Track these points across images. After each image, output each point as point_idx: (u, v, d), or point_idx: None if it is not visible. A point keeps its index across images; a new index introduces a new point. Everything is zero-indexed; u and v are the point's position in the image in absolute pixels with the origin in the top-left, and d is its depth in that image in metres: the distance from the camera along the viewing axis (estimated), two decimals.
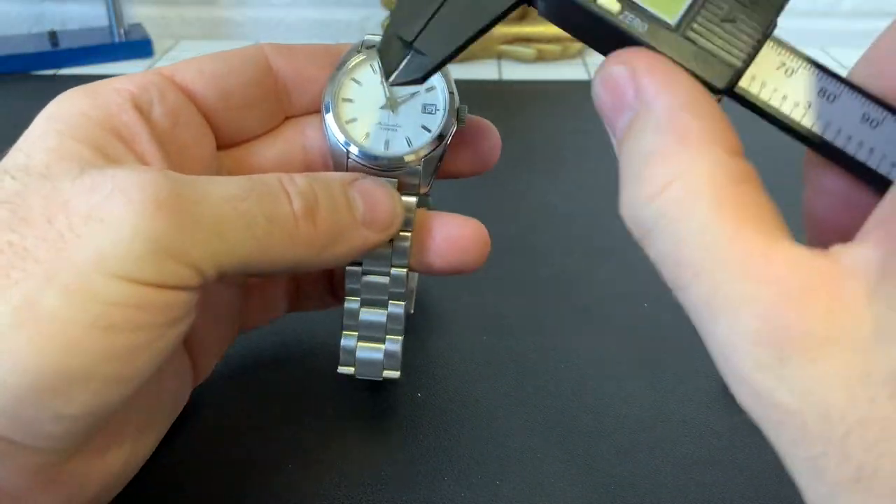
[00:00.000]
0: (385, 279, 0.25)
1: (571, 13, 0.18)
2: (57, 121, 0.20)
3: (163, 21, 0.70)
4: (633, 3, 0.18)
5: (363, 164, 0.24)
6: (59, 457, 0.18)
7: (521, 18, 0.62)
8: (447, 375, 0.30)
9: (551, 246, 0.38)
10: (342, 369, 0.26)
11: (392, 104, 0.25)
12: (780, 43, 0.18)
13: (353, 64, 0.25)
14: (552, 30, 0.61)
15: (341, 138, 0.24)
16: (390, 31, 0.19)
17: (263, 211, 0.20)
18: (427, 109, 0.25)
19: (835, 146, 0.18)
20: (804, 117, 0.18)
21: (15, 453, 0.17)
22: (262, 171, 0.23)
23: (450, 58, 0.19)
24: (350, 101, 0.25)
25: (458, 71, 0.62)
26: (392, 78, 0.19)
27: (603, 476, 0.25)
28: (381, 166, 0.24)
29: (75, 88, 0.21)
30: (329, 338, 0.32)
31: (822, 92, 0.18)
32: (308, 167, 0.26)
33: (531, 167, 0.45)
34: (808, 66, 0.18)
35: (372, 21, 0.68)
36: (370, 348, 0.26)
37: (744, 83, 0.18)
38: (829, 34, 0.69)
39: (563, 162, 0.46)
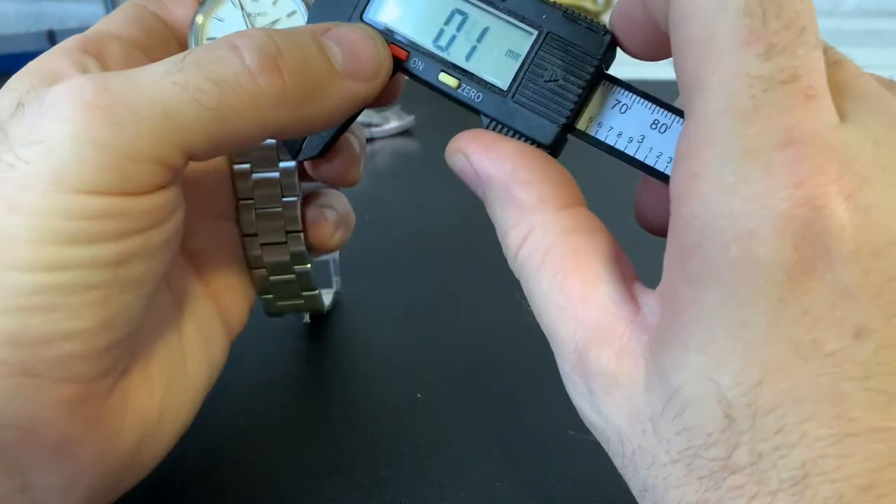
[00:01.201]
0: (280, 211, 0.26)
1: (428, 87, 0.21)
2: (11, 85, 0.20)
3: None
4: (470, 73, 0.20)
5: None
6: (90, 388, 0.18)
7: None
8: (447, 375, 0.30)
9: None
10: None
11: None
12: (618, 83, 0.20)
13: (212, 3, 0.24)
14: None
15: None
16: None
17: (207, 75, 0.18)
18: None
19: (667, 175, 0.19)
20: (637, 151, 0.20)
21: (46, 388, 0.17)
22: None
23: (338, 134, 0.23)
24: (214, 39, 0.24)
25: None
26: (298, 157, 0.23)
27: (603, 476, 0.25)
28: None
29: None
30: (328, 338, 0.32)
31: (654, 124, 0.19)
32: None
33: None
34: (642, 100, 0.20)
35: None
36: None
37: (581, 125, 0.20)
38: (829, 34, 0.68)
39: (563, 162, 0.46)
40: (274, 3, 0.24)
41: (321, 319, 0.33)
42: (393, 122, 0.58)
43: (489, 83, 0.20)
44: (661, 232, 0.18)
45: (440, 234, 0.39)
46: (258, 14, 0.24)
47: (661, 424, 0.16)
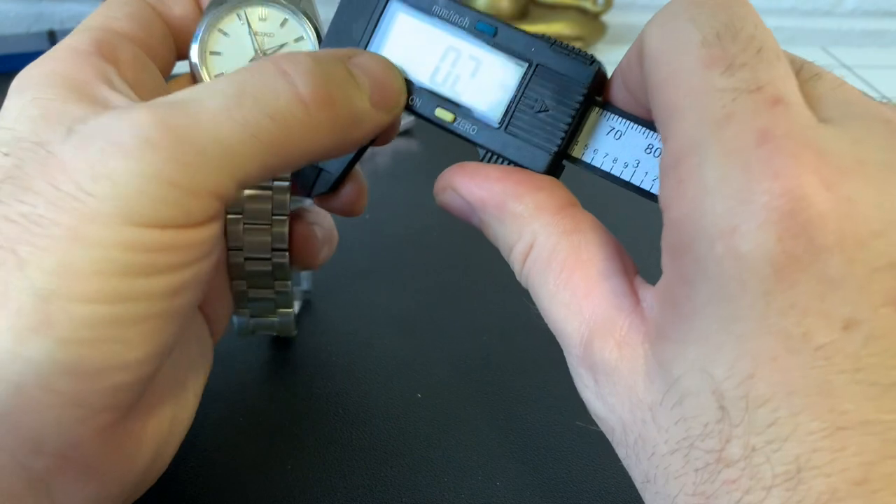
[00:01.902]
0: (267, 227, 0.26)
1: (428, 122, 0.22)
2: (28, 90, 0.19)
3: None
4: (465, 108, 0.21)
5: None
6: (123, 413, 0.19)
7: (522, 17, 0.62)
8: (447, 375, 0.30)
9: None
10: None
11: (261, 57, 0.24)
12: (612, 110, 0.20)
13: (219, 13, 0.24)
14: (552, 29, 0.61)
15: None
16: None
17: (264, 110, 0.18)
18: None
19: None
20: (633, 176, 0.20)
21: (90, 417, 0.18)
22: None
23: (347, 170, 0.24)
24: (218, 54, 0.24)
25: None
26: (311, 193, 0.24)
27: (603, 476, 0.25)
28: None
29: (30, 64, 0.21)
30: (328, 338, 0.32)
31: (648, 148, 0.20)
32: None
33: None
34: (635, 126, 0.20)
35: None
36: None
37: (576, 153, 0.21)
38: (830, 34, 0.69)
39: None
40: (282, 25, 0.24)
41: (337, 324, 0.32)
42: None
43: (482, 116, 0.21)
44: None
45: (440, 234, 0.39)
46: (265, 34, 0.24)
47: (660, 413, 0.16)
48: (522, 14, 0.62)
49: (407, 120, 0.58)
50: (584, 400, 0.19)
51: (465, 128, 0.21)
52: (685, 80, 0.16)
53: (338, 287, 0.34)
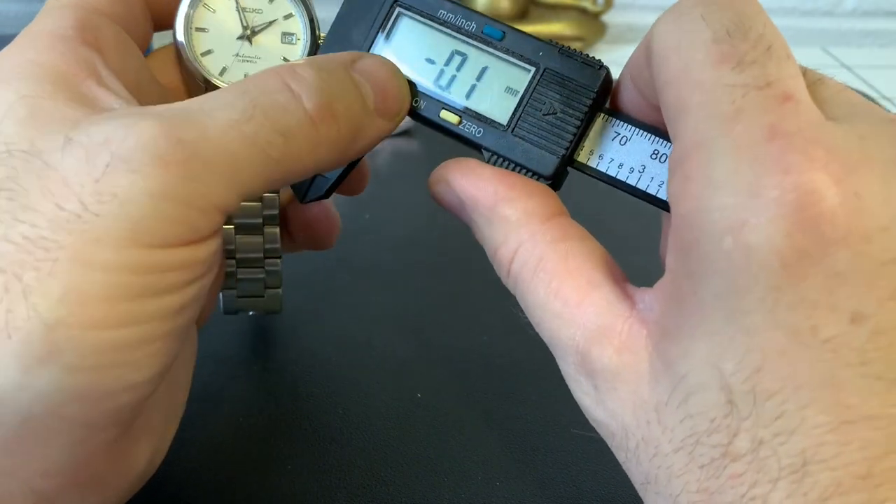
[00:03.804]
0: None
1: (431, 126, 0.22)
2: (11, 83, 0.18)
3: None
4: (471, 111, 0.21)
5: None
6: (127, 427, 0.18)
7: (522, 17, 0.62)
8: (447, 375, 0.30)
9: None
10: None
11: (249, 34, 0.24)
12: (618, 116, 0.20)
13: None
14: (552, 29, 0.61)
15: (199, 69, 0.23)
16: None
17: (275, 127, 0.18)
18: (286, 39, 0.24)
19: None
20: (639, 181, 0.20)
21: (95, 436, 0.17)
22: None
23: (341, 177, 0.23)
24: (204, 30, 0.23)
25: None
26: (305, 199, 0.23)
27: (603, 476, 0.25)
28: None
29: (6, 50, 0.19)
30: (328, 338, 0.32)
31: (654, 154, 0.20)
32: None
33: None
34: (640, 132, 0.20)
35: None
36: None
37: (581, 158, 0.21)
38: (830, 34, 0.69)
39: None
40: (271, 1, 0.24)
41: (339, 325, 0.32)
42: None
43: (489, 119, 0.21)
44: None
45: (440, 234, 0.39)
46: (254, 10, 0.24)
47: (665, 413, 0.16)
48: (522, 14, 0.62)
49: (407, 119, 0.58)
50: (582, 407, 0.19)
51: (470, 130, 0.21)
52: (695, 76, 0.16)
53: (337, 287, 0.34)
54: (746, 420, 0.15)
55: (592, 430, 0.19)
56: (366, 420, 0.27)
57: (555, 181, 0.21)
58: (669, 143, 0.19)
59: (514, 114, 0.21)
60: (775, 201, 0.14)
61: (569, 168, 0.21)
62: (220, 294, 0.27)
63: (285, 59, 0.24)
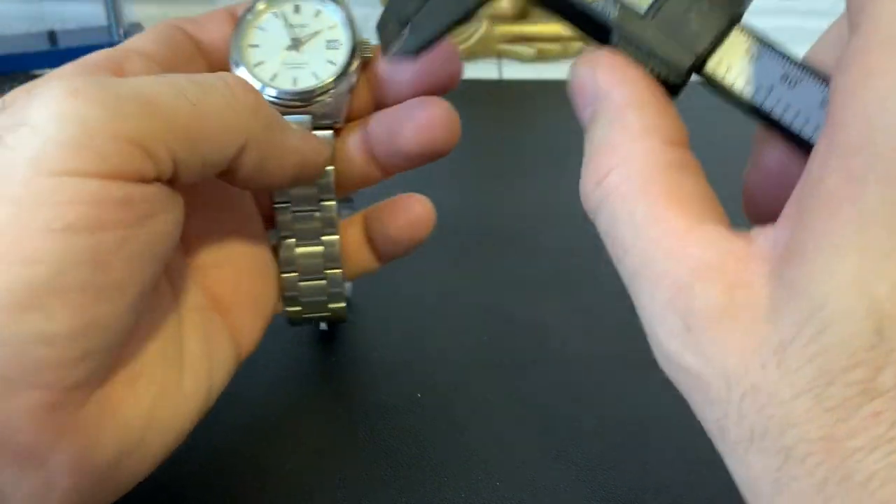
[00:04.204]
0: (316, 214, 0.26)
1: (555, 4, 0.20)
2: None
3: (163, 20, 0.70)
4: None
5: (275, 102, 0.24)
6: (63, 395, 0.18)
7: (522, 17, 0.62)
8: (447, 375, 0.30)
9: (552, 245, 0.37)
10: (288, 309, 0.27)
11: (297, 44, 0.25)
12: (748, 30, 0.19)
13: (255, 14, 0.25)
14: (553, 29, 0.61)
15: (249, 81, 0.24)
16: (388, 11, 0.21)
17: (191, 79, 0.20)
18: (331, 45, 0.25)
19: (791, 130, 0.18)
20: (764, 102, 0.18)
21: (15, 392, 0.17)
22: None
23: (438, 36, 0.21)
24: (256, 46, 0.25)
25: None
26: (390, 52, 0.21)
27: (604, 476, 0.25)
28: (292, 102, 0.24)
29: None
30: (327, 339, 0.32)
31: (784, 77, 0.19)
32: None
33: (531, 166, 0.45)
34: (772, 51, 0.19)
35: (372, 20, 0.67)
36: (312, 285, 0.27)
37: (710, 67, 0.19)
38: None
39: (564, 161, 0.46)
40: (316, 15, 0.25)
41: (340, 327, 0.32)
42: None
43: (626, 3, 0.19)
44: (772, 218, 0.16)
45: (440, 233, 0.39)
46: (300, 25, 0.25)
47: (789, 353, 0.14)
48: (522, 15, 0.62)
49: None
50: (664, 352, 0.16)
51: (605, 10, 0.19)
52: None
53: None
54: (895, 352, 0.13)
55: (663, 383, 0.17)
56: (366, 420, 0.27)
57: (682, 82, 0.19)
58: (801, 69, 0.19)
59: (653, 4, 0.19)
60: None
61: (692, 78, 0.20)
62: (286, 311, 0.28)
63: (330, 62, 0.25)
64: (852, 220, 0.14)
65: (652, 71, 0.19)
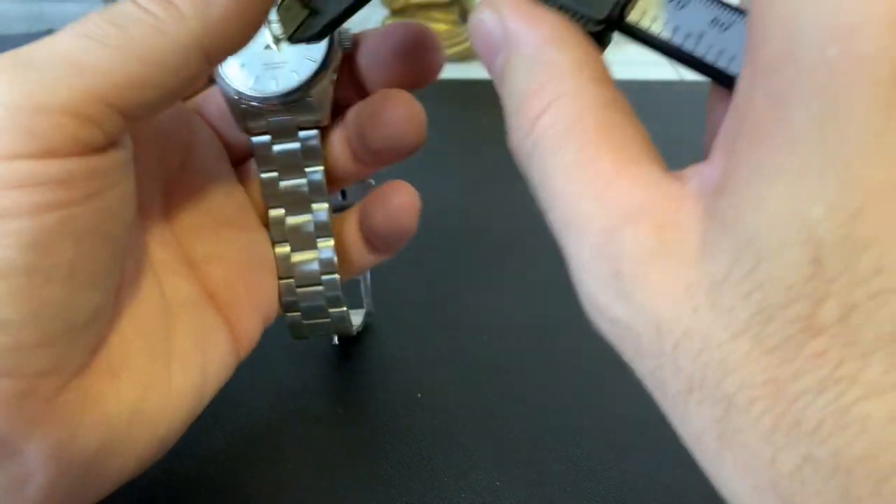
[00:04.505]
0: (308, 217, 0.25)
1: None
2: None
3: None
4: None
5: (258, 106, 0.24)
6: (31, 383, 0.17)
7: None
8: (447, 375, 0.30)
9: (550, 245, 0.37)
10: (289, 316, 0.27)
11: (275, 44, 0.25)
12: None
13: None
14: None
15: (231, 86, 0.24)
16: None
17: (108, 20, 0.18)
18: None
19: (729, 75, 0.17)
20: (696, 47, 0.17)
21: None
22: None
23: (343, 15, 0.20)
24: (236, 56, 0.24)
25: (459, 71, 0.62)
26: (292, 37, 0.20)
27: (604, 476, 0.25)
28: (275, 103, 0.24)
29: None
30: (326, 339, 0.32)
31: (714, 21, 0.18)
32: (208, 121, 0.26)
33: None
34: None
35: (371, 20, 0.67)
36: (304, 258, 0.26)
37: (633, 18, 0.18)
38: None
39: None
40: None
41: (352, 342, 0.32)
42: None
43: None
44: None
45: (440, 233, 0.39)
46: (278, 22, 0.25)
47: (722, 292, 0.13)
48: None
49: None
50: (594, 304, 0.15)
51: None
52: None
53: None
54: (836, 281, 0.12)
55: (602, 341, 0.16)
56: (366, 420, 0.27)
57: (603, 32, 0.18)
58: (731, 12, 0.18)
59: None
60: (893, 5, 0.12)
61: (616, 32, 0.18)
62: (286, 317, 0.27)
63: (309, 59, 0.24)
64: (781, 143, 0.13)
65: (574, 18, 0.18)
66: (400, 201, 0.26)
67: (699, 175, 0.15)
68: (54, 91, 0.16)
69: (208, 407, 0.24)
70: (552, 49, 0.16)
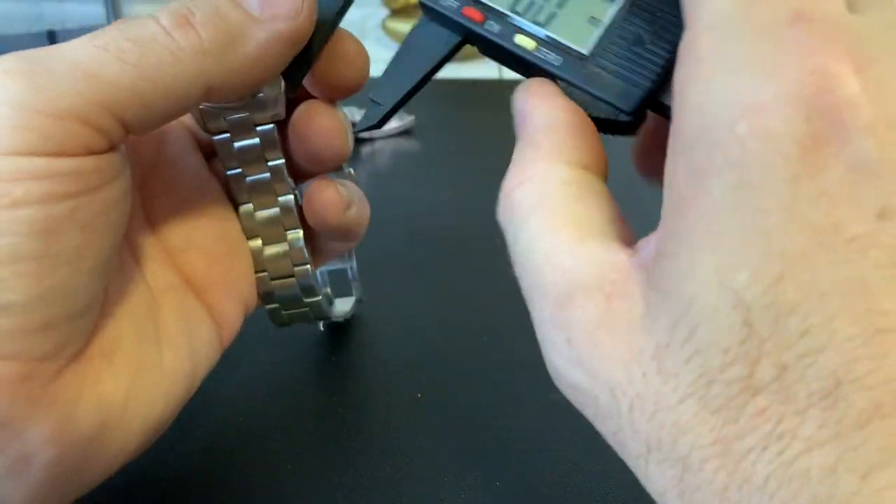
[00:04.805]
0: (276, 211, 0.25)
1: (499, 53, 0.20)
2: None
3: None
4: (549, 37, 0.19)
5: (213, 106, 0.24)
6: (33, 366, 0.18)
7: None
8: (447, 375, 0.30)
9: None
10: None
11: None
12: None
13: None
14: None
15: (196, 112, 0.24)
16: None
17: (126, 36, 0.19)
18: None
19: None
20: None
21: None
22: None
23: (400, 103, 0.22)
24: None
25: (459, 71, 0.62)
26: (356, 127, 0.23)
27: (604, 476, 0.25)
28: (230, 104, 0.24)
29: None
30: (327, 339, 0.32)
31: None
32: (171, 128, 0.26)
33: None
34: None
35: (372, 20, 0.68)
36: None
37: (667, 98, 0.18)
38: None
39: None
40: None
41: (339, 327, 0.32)
42: (393, 122, 0.58)
43: (569, 47, 0.19)
44: (661, 172, 0.16)
45: (440, 233, 0.39)
46: None
47: (666, 357, 0.14)
48: None
49: (407, 119, 0.58)
50: (554, 370, 0.17)
51: (547, 58, 0.19)
52: None
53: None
54: (767, 342, 0.13)
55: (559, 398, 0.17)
56: (366, 420, 0.27)
57: (635, 118, 0.19)
58: None
59: (597, 44, 0.19)
60: (795, 82, 0.13)
61: (648, 112, 0.19)
62: (266, 309, 0.27)
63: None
64: (703, 214, 0.14)
65: (606, 109, 0.19)
66: (321, 122, 0.25)
67: (647, 245, 0.15)
68: (72, 101, 0.18)
69: (202, 407, 0.24)
70: (542, 133, 0.18)
